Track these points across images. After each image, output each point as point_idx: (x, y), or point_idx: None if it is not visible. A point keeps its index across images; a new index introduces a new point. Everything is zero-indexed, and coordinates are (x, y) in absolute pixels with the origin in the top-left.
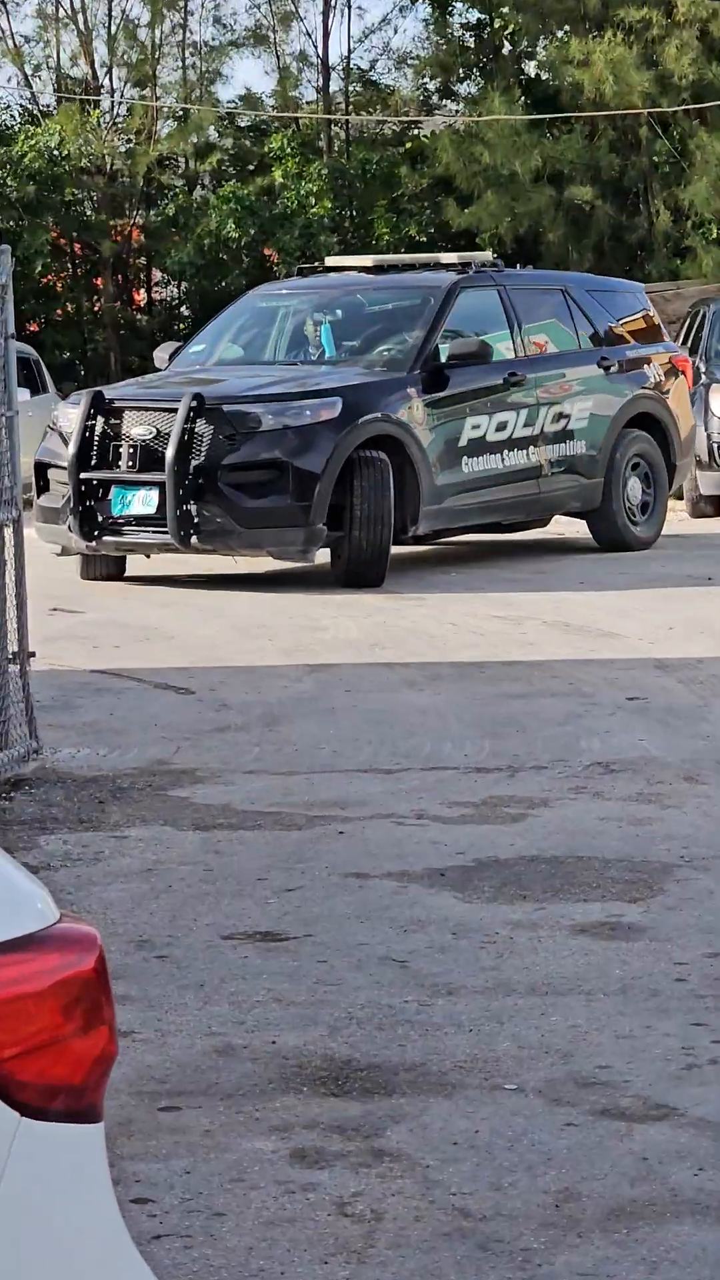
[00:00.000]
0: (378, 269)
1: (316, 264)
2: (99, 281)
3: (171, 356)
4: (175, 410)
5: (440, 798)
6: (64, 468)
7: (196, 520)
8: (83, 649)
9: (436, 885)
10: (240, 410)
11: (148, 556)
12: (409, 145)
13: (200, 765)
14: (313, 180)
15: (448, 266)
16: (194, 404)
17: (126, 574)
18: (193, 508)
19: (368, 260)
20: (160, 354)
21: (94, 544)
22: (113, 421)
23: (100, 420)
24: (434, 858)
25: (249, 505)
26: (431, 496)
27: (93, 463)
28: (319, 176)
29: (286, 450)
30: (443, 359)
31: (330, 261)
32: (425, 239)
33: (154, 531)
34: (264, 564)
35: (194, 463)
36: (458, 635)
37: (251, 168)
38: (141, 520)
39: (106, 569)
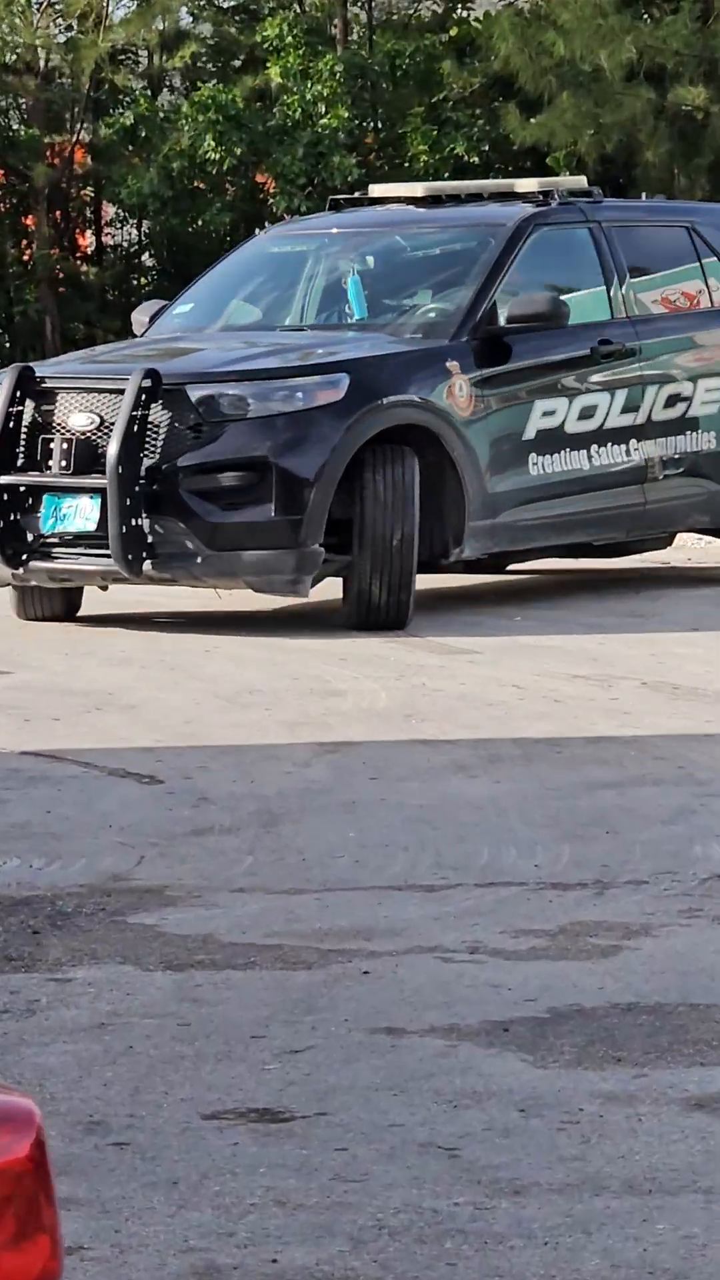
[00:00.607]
0: (431, 200)
1: (357, 194)
2: (29, 220)
3: (153, 319)
4: (123, 392)
5: (502, 924)
6: None
7: (150, 540)
8: (10, 723)
9: (498, 1044)
10: (209, 392)
11: (103, 588)
12: (454, 32)
13: (172, 881)
14: (323, 81)
15: (524, 197)
16: (147, 383)
17: (80, 613)
18: (144, 523)
19: (417, 189)
20: (139, 315)
21: (20, 571)
22: (45, 407)
23: (29, 405)
24: (494, 1007)
25: (219, 520)
26: (482, 508)
27: (18, 463)
28: (331, 76)
29: (270, 445)
30: (501, 322)
31: (376, 191)
32: (477, 159)
33: (95, 555)
34: (262, 599)
35: (147, 462)
36: (525, 702)
37: (238, 64)
38: (81, 539)
39: (50, 606)
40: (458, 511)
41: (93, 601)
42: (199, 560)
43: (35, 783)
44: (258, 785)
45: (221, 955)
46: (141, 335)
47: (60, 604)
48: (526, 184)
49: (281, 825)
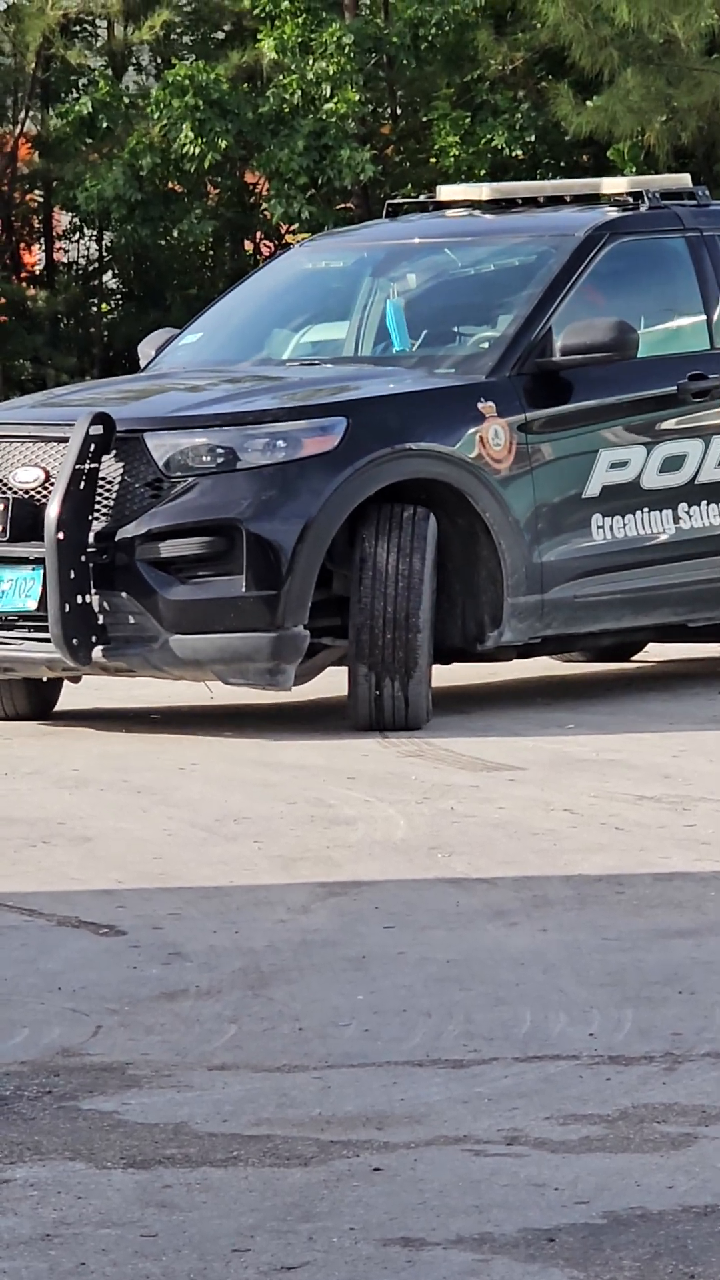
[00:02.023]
0: (497, 204)
1: (422, 197)
2: None
3: (160, 350)
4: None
5: (547, 1108)
6: None
7: (101, 620)
8: None
9: (541, 1258)
10: (170, 441)
11: (75, 680)
12: None
13: (135, 1057)
14: (327, 56)
15: (610, 199)
16: (96, 430)
17: (57, 709)
18: (93, 599)
19: (482, 191)
20: (144, 347)
21: None
22: None
23: None
24: (536, 1211)
25: (181, 597)
26: (526, 582)
27: None
28: (338, 50)
29: (242, 506)
30: (556, 354)
31: (444, 194)
32: (520, 153)
33: (37, 639)
34: (264, 697)
35: (97, 526)
36: (579, 830)
37: (223, 35)
38: (22, 620)
39: (14, 703)
40: (495, 586)
41: (74, 698)
42: (157, 645)
43: None
44: (244, 936)
45: (196, 1149)
46: (144, 369)
47: (28, 699)
48: (615, 184)
49: (273, 986)
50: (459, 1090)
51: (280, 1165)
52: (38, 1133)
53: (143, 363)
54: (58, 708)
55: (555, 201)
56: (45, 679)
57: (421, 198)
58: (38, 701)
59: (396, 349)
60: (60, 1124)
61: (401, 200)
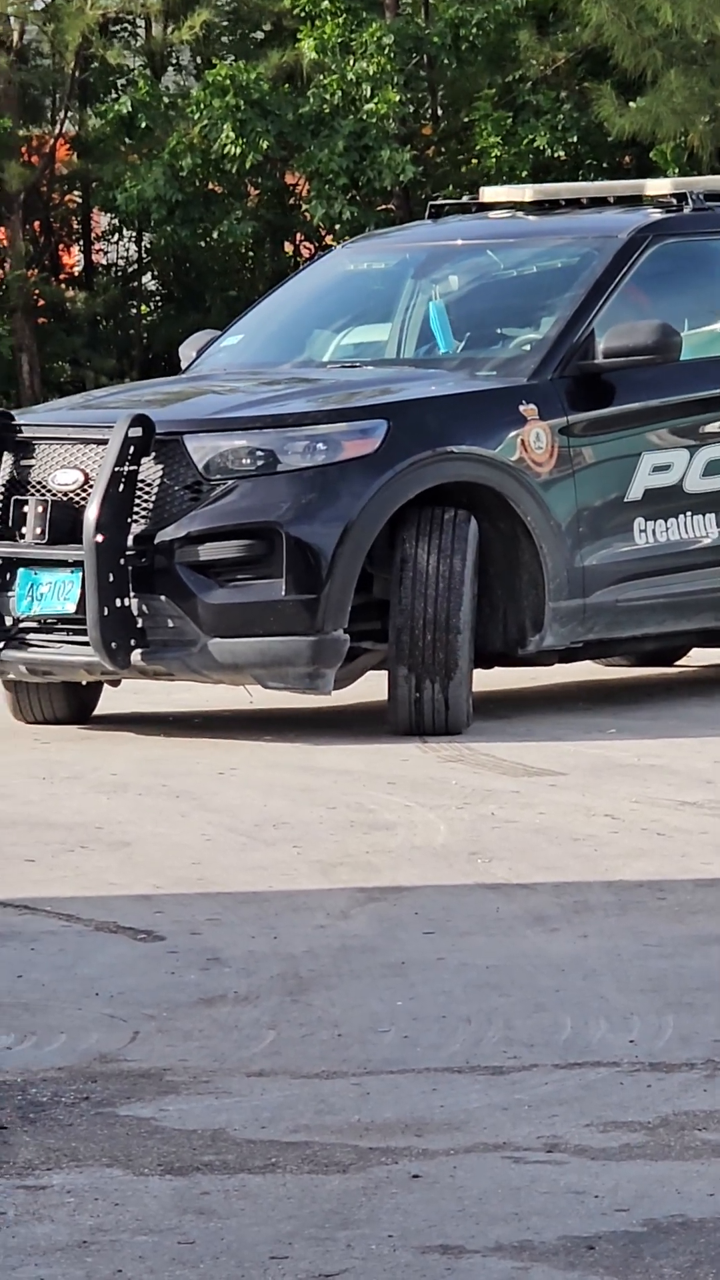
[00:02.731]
0: (541, 205)
1: (465, 199)
2: (0, 234)
3: (201, 351)
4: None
5: (587, 1115)
6: None
7: (140, 624)
8: None
9: (580, 1265)
10: (210, 443)
11: (114, 684)
12: None
13: (173, 1063)
14: (368, 56)
15: (654, 201)
16: (136, 433)
17: (96, 712)
18: (132, 603)
19: (526, 192)
20: (186, 349)
21: None
22: (24, 462)
23: (6, 460)
24: (576, 1219)
25: (220, 600)
26: (568, 586)
27: None
28: (378, 50)
29: (282, 509)
30: (598, 357)
31: (487, 195)
32: (562, 153)
33: (76, 642)
34: (302, 701)
35: (135, 529)
36: (620, 835)
37: (263, 34)
38: (61, 623)
39: (53, 706)
40: (536, 590)
41: (114, 701)
42: (196, 649)
43: (2, 940)
44: (282, 942)
45: (235, 1155)
46: (185, 371)
47: (67, 703)
48: (659, 185)
49: (312, 992)
50: (498, 1097)
51: (319, 1172)
52: (75, 1139)
53: (184, 365)
54: (96, 711)
55: (599, 203)
56: (84, 683)
57: (464, 199)
58: (76, 705)
59: (440, 351)
60: (98, 1130)
61: (444, 201)
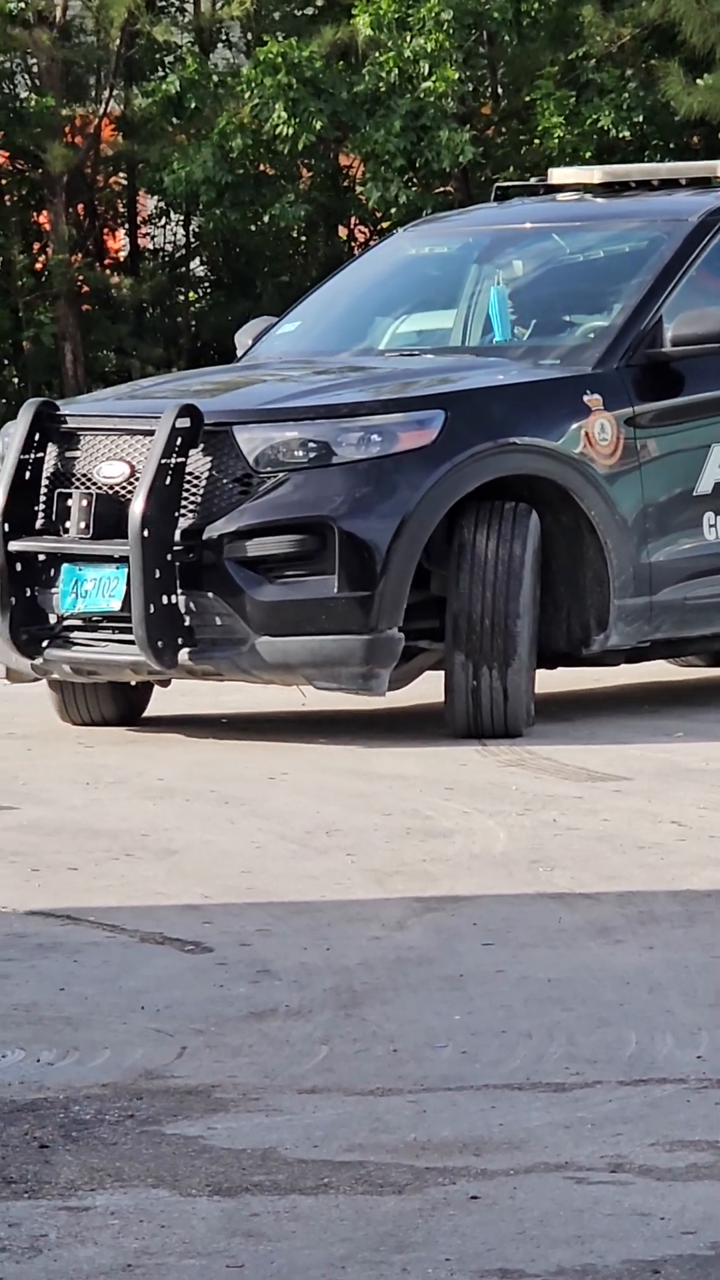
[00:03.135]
0: (610, 187)
1: (533, 180)
2: (42, 218)
3: (257, 339)
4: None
5: (653, 1134)
6: None
7: (187, 622)
8: (13, 874)
9: None
10: (260, 434)
11: (164, 685)
12: None
13: (222, 1079)
14: (425, 33)
15: None
16: (184, 423)
17: (145, 714)
18: (179, 600)
19: (594, 174)
20: (241, 336)
21: (38, 661)
22: (68, 454)
23: (51, 451)
24: (641, 1241)
25: (271, 598)
26: (634, 583)
27: (38, 524)
28: (436, 26)
29: (334, 503)
30: (667, 344)
31: (556, 177)
32: (628, 134)
33: (122, 641)
34: (355, 702)
35: (183, 523)
36: (688, 844)
37: (316, 10)
38: (106, 621)
39: (100, 707)
40: (601, 588)
41: (166, 702)
42: (245, 648)
43: (45, 952)
44: (335, 954)
45: (285, 1176)
46: (240, 360)
47: (114, 703)
48: None
49: (366, 1006)
50: (560, 1115)
51: (373, 1193)
52: (120, 1158)
53: (239, 353)
54: (146, 713)
55: (670, 185)
56: (134, 683)
57: (533, 181)
58: (125, 706)
59: (500, 339)
60: (143, 1149)
61: (510, 184)
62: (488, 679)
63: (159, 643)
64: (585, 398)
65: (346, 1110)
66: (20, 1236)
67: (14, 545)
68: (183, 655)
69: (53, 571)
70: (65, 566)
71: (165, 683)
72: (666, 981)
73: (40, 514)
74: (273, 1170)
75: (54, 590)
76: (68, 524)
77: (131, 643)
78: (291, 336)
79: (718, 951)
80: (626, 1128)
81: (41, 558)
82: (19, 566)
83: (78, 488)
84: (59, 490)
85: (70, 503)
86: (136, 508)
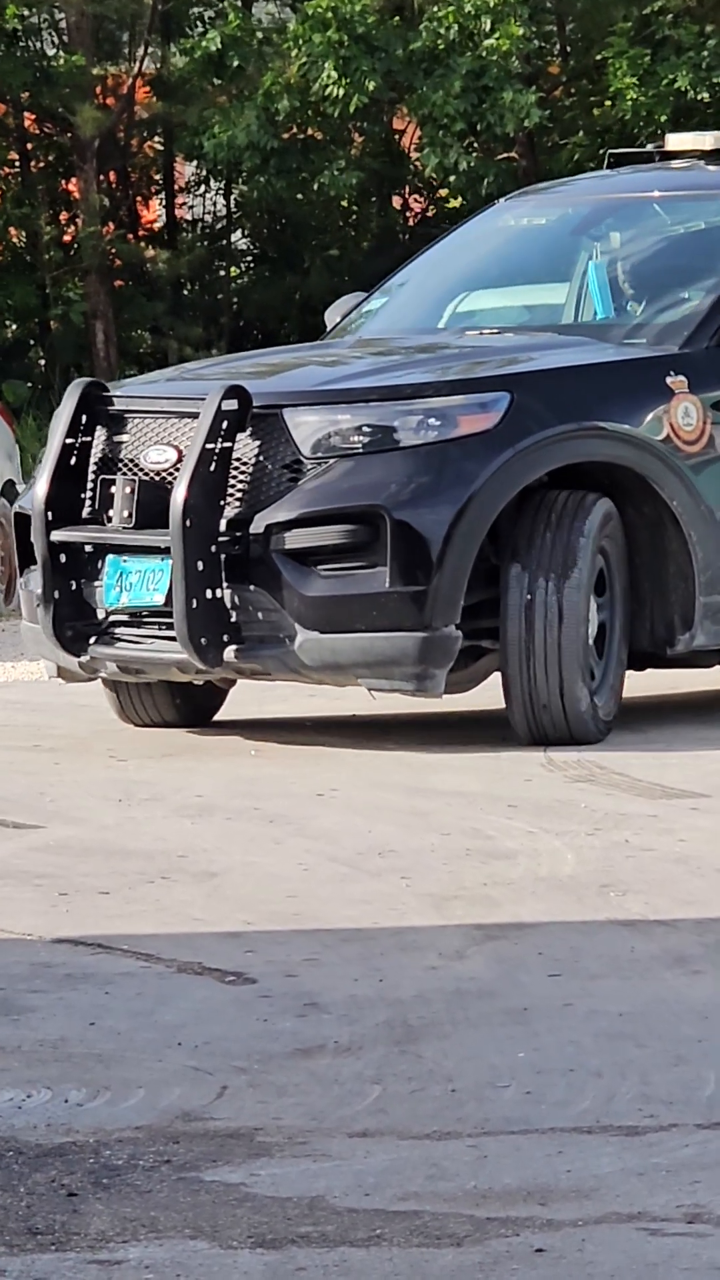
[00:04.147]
0: None
1: (649, 147)
2: (71, 186)
3: (346, 316)
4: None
5: None
6: None
7: (234, 618)
8: (40, 899)
9: None
10: (311, 417)
11: (226, 685)
12: None
13: (266, 1122)
14: None
15: None
16: (230, 405)
17: (218, 716)
18: (225, 594)
19: (706, 139)
20: (331, 313)
21: (85, 659)
22: (117, 438)
23: (100, 435)
24: None
25: (320, 593)
26: (719, 580)
27: (85, 512)
28: None
29: (388, 491)
30: None
31: (673, 143)
32: (706, 95)
33: (165, 637)
34: (421, 705)
35: (229, 513)
36: None
37: None
38: (152, 616)
39: (157, 708)
40: (685, 583)
41: (245, 702)
42: (294, 646)
43: (74, 983)
44: (389, 985)
45: (335, 1227)
46: (327, 337)
47: (173, 704)
48: None
49: (422, 1042)
50: (633, 1161)
51: (430, 1245)
52: (154, 1207)
53: (327, 331)
54: (172, 722)
55: None
56: (202, 682)
57: (648, 148)
58: (188, 708)
59: (602, 315)
60: (180, 1198)
61: (624, 150)
62: (543, 681)
63: (202, 640)
64: (669, 380)
65: (401, 1155)
66: None
67: (56, 535)
68: (228, 653)
69: (99, 563)
70: (110, 558)
71: (230, 682)
72: None
73: (87, 502)
74: (320, 1221)
75: (99, 583)
76: (110, 513)
77: (175, 639)
78: (377, 314)
79: None
80: (705, 1175)
81: (88, 549)
82: (63, 558)
83: (123, 474)
84: (103, 477)
85: (114, 490)
86: (179, 495)
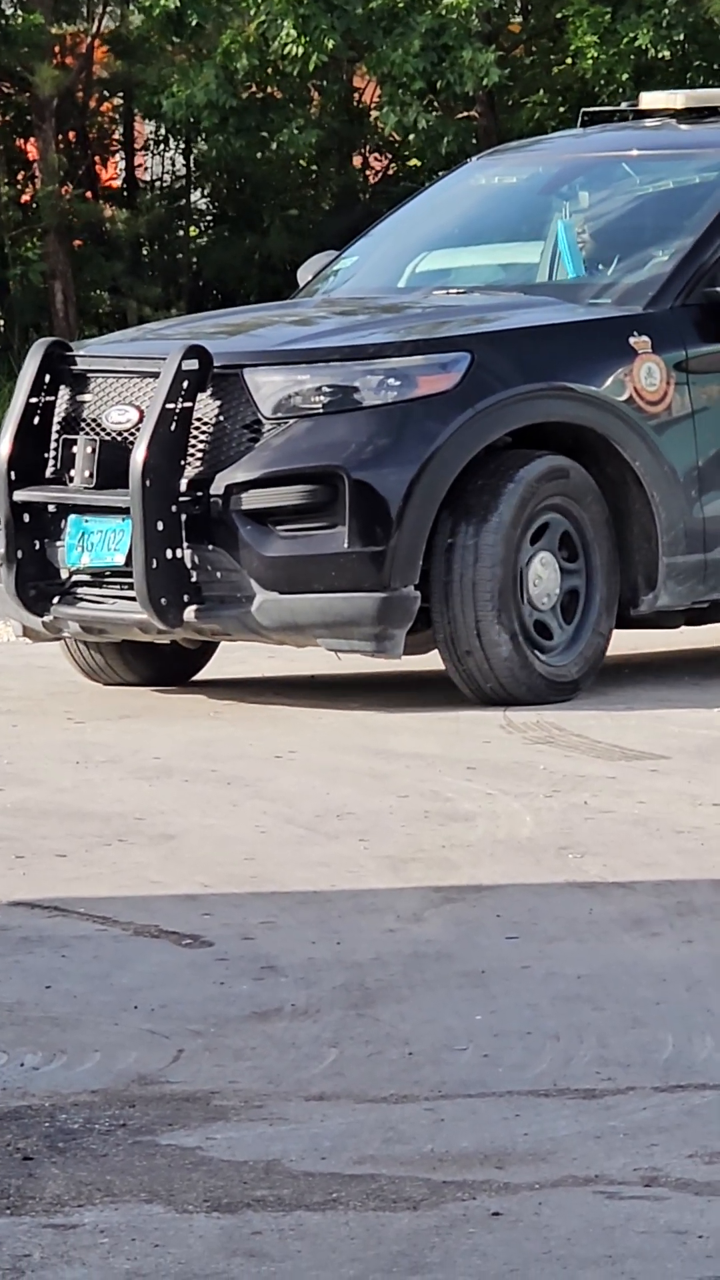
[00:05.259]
0: (691, 113)
1: (623, 106)
2: (29, 145)
3: (316, 275)
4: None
5: (691, 1144)
6: None
7: (194, 579)
8: None
9: None
10: (271, 377)
11: (191, 647)
12: None
13: (222, 1085)
14: None
15: None
16: (191, 365)
17: (128, 685)
18: (185, 554)
19: (678, 99)
20: (303, 272)
21: (47, 618)
22: (79, 398)
23: (63, 394)
24: (678, 1262)
25: (279, 553)
26: (685, 540)
27: (48, 472)
28: None
29: (347, 452)
30: None
31: (646, 101)
32: (667, 53)
33: (126, 597)
34: (393, 665)
35: (189, 473)
36: None
37: None
38: (114, 576)
39: (134, 666)
40: (648, 544)
41: (232, 659)
42: (255, 607)
43: (30, 946)
44: (346, 948)
45: (291, 1190)
46: (296, 296)
47: (148, 664)
48: None
49: (379, 1005)
50: (590, 1124)
51: (386, 1209)
52: (110, 1171)
53: (298, 290)
54: (124, 683)
55: None
56: (182, 641)
57: (623, 105)
58: (159, 666)
59: (573, 275)
60: (135, 1162)
61: (598, 109)
62: (461, 623)
63: (163, 600)
64: (632, 340)
65: (357, 1119)
66: (1, 1257)
67: (19, 495)
68: (189, 614)
69: (61, 523)
70: (71, 518)
71: (194, 643)
72: (706, 978)
73: (50, 462)
74: (277, 1184)
75: (61, 543)
76: (73, 473)
77: (134, 599)
78: (345, 273)
79: None
80: (662, 1138)
81: (51, 509)
82: (26, 517)
83: (85, 434)
84: (65, 437)
85: (75, 450)
86: (138, 455)
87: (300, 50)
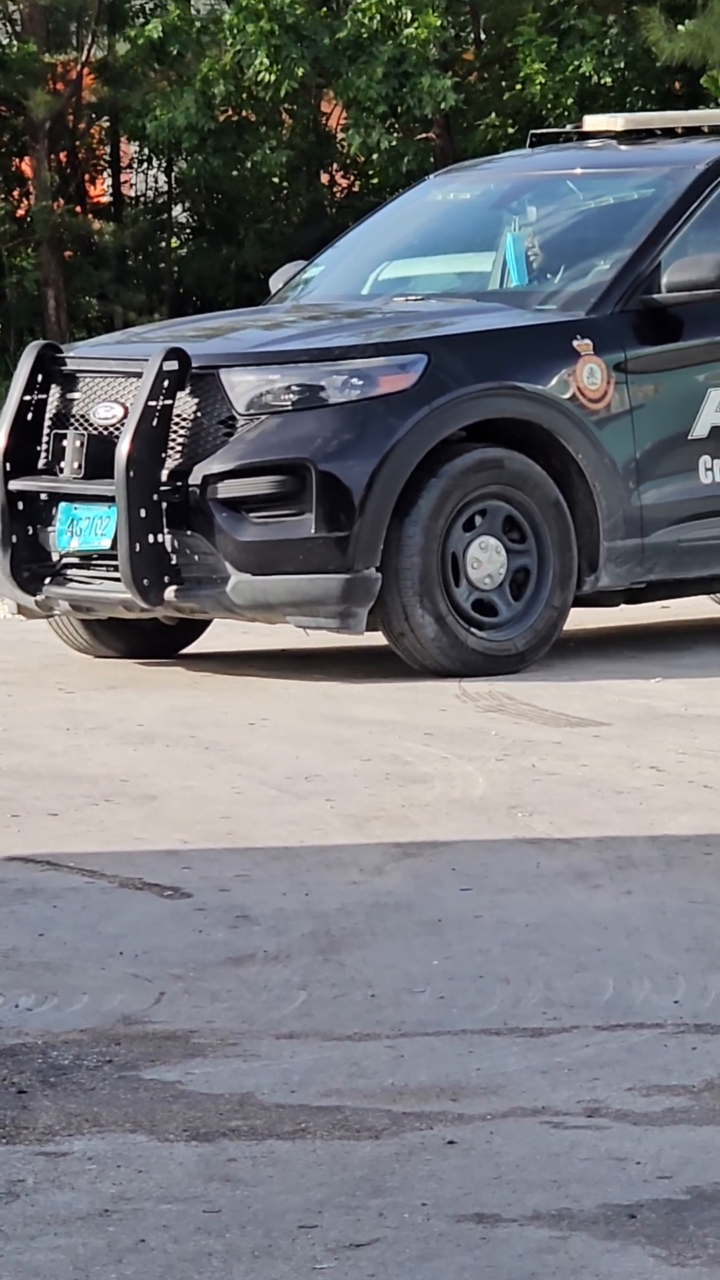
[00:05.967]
0: (630, 135)
1: (568, 128)
2: (24, 164)
3: (287, 283)
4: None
5: (630, 1079)
6: None
7: (174, 561)
8: None
9: (621, 1235)
10: (245, 377)
11: (170, 622)
12: None
13: (200, 1025)
14: None
15: None
16: (171, 365)
17: (111, 657)
18: (166, 539)
19: (618, 121)
20: (275, 280)
21: (39, 597)
22: (69, 395)
23: (54, 392)
24: (617, 1186)
25: (251, 537)
26: (625, 525)
27: (40, 463)
28: None
29: (313, 444)
30: (663, 290)
31: (589, 124)
32: (609, 80)
33: (114, 578)
34: (360, 641)
35: (170, 464)
36: (665, 789)
37: None
38: (100, 558)
39: (129, 639)
40: (590, 529)
41: (221, 636)
42: (229, 587)
43: (24, 897)
44: (314, 899)
45: (263, 1121)
46: (269, 302)
47: (133, 637)
48: None
49: (344, 951)
50: (537, 1060)
51: (350, 1138)
52: (97, 1104)
53: (271, 297)
54: (109, 655)
55: (693, 133)
56: (162, 618)
57: (568, 128)
58: (142, 642)
59: (517, 283)
60: (120, 1095)
61: (545, 131)
62: (395, 607)
63: (145, 581)
64: (575, 343)
65: (324, 1055)
66: None
67: (14, 484)
68: (169, 593)
69: (52, 510)
70: (62, 505)
71: (174, 620)
72: (644, 926)
73: (42, 454)
74: (250, 1115)
75: (52, 528)
76: (63, 464)
77: (119, 580)
78: (314, 281)
79: (695, 896)
80: (603, 1072)
81: (43, 497)
82: (20, 505)
83: (74, 429)
84: (56, 431)
85: (65, 443)
86: (123, 448)
87: (272, 77)
